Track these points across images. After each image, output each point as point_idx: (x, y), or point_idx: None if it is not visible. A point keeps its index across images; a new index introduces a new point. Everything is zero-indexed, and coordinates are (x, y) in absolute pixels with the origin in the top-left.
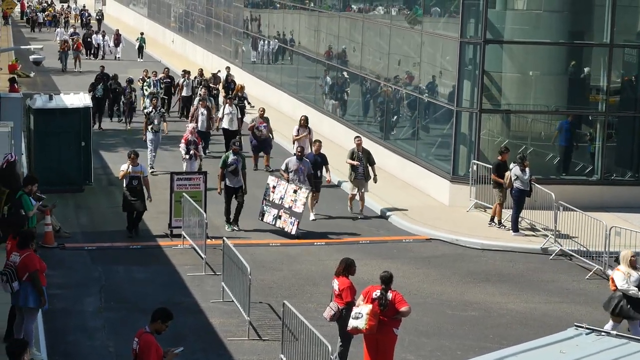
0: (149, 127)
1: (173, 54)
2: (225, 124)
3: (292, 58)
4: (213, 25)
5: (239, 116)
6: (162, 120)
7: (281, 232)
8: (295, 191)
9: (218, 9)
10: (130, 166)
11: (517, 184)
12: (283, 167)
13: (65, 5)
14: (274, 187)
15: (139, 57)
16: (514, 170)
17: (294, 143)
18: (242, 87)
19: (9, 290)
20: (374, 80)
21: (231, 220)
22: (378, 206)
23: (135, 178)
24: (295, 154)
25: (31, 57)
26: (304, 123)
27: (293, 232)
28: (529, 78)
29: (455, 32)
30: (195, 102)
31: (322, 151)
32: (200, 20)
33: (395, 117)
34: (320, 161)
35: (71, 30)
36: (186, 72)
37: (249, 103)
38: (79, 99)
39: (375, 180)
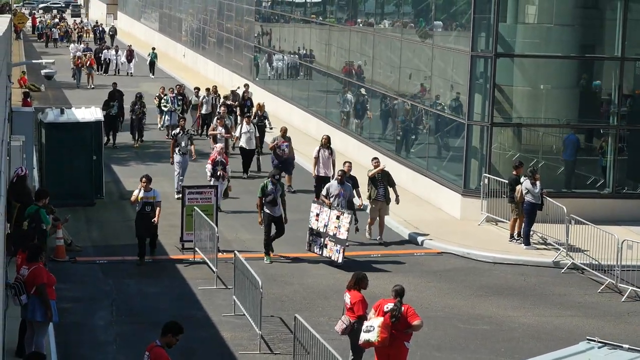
0: (176, 150)
1: (184, 68)
2: (242, 143)
3: (303, 72)
4: (224, 39)
5: (257, 135)
6: (190, 143)
7: (289, 245)
8: (338, 217)
9: (229, 23)
10: (142, 191)
11: (528, 198)
12: (324, 192)
13: (78, 20)
14: (317, 215)
15: (150, 73)
16: (525, 183)
17: (315, 165)
18: (262, 106)
19: (17, 303)
20: (384, 94)
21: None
22: (391, 220)
23: (148, 204)
24: (336, 178)
25: (43, 72)
26: (326, 143)
27: (339, 261)
28: (540, 91)
29: (466, 45)
30: (214, 121)
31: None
32: (212, 34)
33: (407, 130)
34: (350, 184)
35: (82, 45)
36: (207, 89)
37: (269, 123)
38: (91, 113)
39: (397, 201)
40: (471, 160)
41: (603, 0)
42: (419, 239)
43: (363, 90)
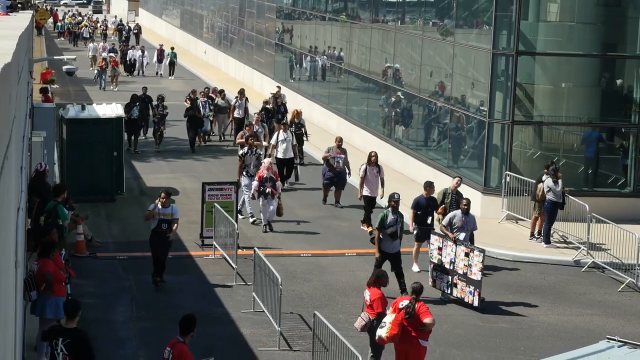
0: (244, 172)
1: (205, 65)
2: (279, 153)
3: (324, 69)
4: (245, 37)
5: (294, 143)
6: (259, 164)
7: (309, 242)
8: (467, 254)
9: (250, 20)
10: (159, 207)
11: (549, 196)
12: (445, 222)
13: (102, 17)
14: (439, 249)
15: (170, 75)
16: (547, 182)
17: (361, 185)
18: (299, 113)
19: (27, 298)
20: (406, 91)
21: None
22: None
23: (165, 221)
24: (461, 209)
25: (64, 68)
26: (375, 161)
27: (475, 304)
28: (561, 90)
29: (487, 43)
30: (244, 128)
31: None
32: (233, 31)
33: (427, 128)
34: (431, 206)
35: (104, 44)
36: (239, 92)
37: (305, 132)
38: (112, 109)
39: None
40: (492, 159)
41: None
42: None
43: (404, 97)
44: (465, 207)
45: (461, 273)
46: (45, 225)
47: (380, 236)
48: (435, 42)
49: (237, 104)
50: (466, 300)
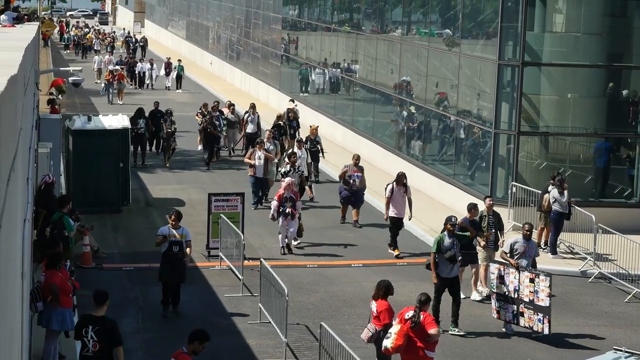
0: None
1: (211, 75)
2: None
3: (331, 80)
4: (251, 48)
5: (309, 161)
6: (304, 181)
7: (315, 253)
8: (532, 280)
9: (256, 31)
10: (171, 229)
11: (555, 207)
12: (506, 249)
13: (109, 29)
14: (500, 278)
15: (177, 88)
16: (553, 192)
17: (387, 205)
18: (316, 129)
19: (33, 309)
20: (411, 102)
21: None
22: (417, 229)
23: (176, 243)
24: (523, 235)
25: (70, 79)
26: (403, 181)
27: (546, 332)
28: (567, 100)
29: (493, 54)
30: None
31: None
32: (239, 42)
33: (433, 139)
34: (475, 229)
35: (109, 57)
36: (251, 106)
37: (321, 149)
38: (118, 121)
39: (497, 248)
40: (498, 169)
41: (631, 8)
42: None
43: (414, 109)
44: (528, 232)
45: (527, 300)
46: (50, 236)
47: (437, 260)
48: (440, 53)
49: (249, 118)
50: (535, 328)
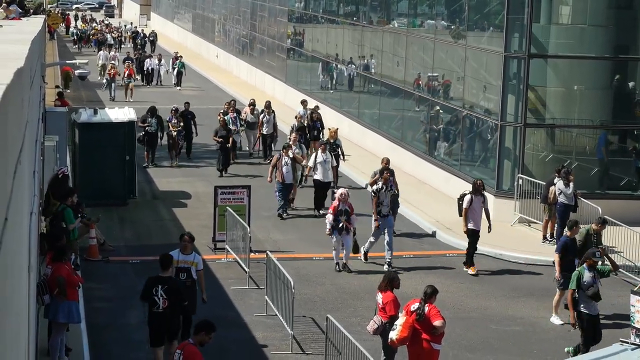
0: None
1: (217, 68)
2: (318, 175)
3: (336, 72)
4: (257, 40)
5: (334, 164)
6: (396, 201)
7: (321, 246)
8: None
9: (262, 24)
10: (180, 254)
11: (561, 199)
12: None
13: (116, 23)
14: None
15: (177, 86)
16: (558, 184)
17: (466, 217)
18: (336, 132)
19: (40, 302)
20: (417, 94)
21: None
22: (423, 221)
23: (184, 270)
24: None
25: (77, 72)
26: (481, 190)
27: None
28: (573, 92)
29: (499, 46)
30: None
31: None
32: (245, 35)
33: (439, 131)
34: (575, 249)
35: (114, 53)
36: (266, 105)
37: (342, 153)
38: (124, 113)
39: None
40: (504, 161)
41: (637, 0)
42: (451, 240)
43: (434, 108)
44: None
45: None
46: (51, 228)
47: (576, 296)
48: (447, 45)
49: (264, 119)
50: None
